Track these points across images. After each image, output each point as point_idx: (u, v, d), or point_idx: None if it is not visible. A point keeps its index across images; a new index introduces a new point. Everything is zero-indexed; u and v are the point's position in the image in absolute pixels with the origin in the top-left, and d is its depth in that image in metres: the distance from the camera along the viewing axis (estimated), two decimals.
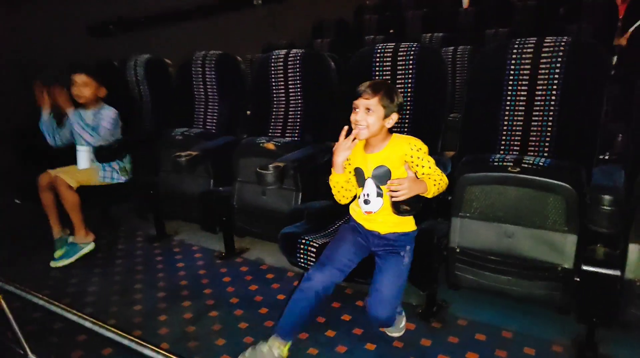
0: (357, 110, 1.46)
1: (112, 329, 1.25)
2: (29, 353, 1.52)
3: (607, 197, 1.30)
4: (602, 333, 1.58)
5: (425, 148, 1.49)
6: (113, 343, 1.16)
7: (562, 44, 1.64)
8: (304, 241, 1.71)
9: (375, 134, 1.48)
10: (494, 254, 1.63)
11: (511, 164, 1.58)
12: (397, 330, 1.72)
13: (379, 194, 1.52)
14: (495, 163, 1.61)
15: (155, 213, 2.73)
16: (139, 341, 1.13)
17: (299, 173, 1.97)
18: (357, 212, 1.61)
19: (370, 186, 1.53)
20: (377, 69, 1.99)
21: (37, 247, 2.65)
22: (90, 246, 2.57)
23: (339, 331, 1.78)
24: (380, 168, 1.50)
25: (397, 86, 1.95)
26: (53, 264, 2.46)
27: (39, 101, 2.47)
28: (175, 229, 2.81)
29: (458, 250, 1.70)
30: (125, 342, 1.19)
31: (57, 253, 2.50)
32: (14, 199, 2.81)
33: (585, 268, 1.42)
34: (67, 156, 2.61)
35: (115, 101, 2.78)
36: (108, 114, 2.55)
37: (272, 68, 2.30)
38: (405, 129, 1.95)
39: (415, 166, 1.47)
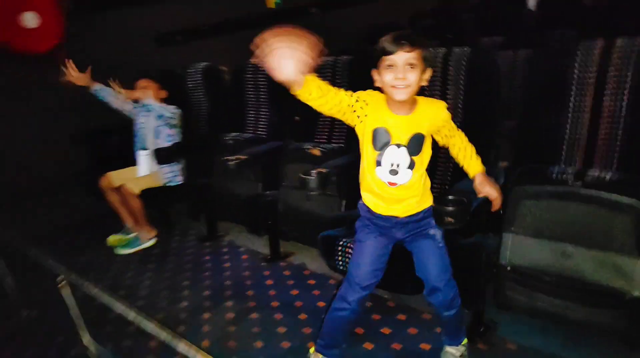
0: (393, 67, 1.26)
1: (152, 322, 1.31)
2: (88, 337, 1.62)
3: None
4: None
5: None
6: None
7: (635, 46, 1.49)
8: (341, 243, 1.67)
9: (412, 94, 1.30)
10: (549, 275, 1.50)
11: (572, 177, 1.45)
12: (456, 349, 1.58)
13: (410, 166, 1.35)
14: (554, 175, 1.49)
15: (207, 214, 2.82)
16: (175, 335, 1.18)
17: (342, 180, 1.93)
18: (372, 195, 1.42)
19: (401, 155, 1.34)
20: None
21: (104, 239, 2.84)
22: (152, 242, 2.76)
23: (376, 344, 1.73)
24: (417, 136, 1.34)
25: (447, 91, 1.87)
26: (117, 251, 2.69)
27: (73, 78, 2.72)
28: (225, 230, 2.89)
29: (509, 268, 1.59)
30: (163, 335, 1.24)
31: (117, 239, 2.76)
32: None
33: None
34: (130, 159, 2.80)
35: (176, 106, 2.93)
36: (171, 114, 2.75)
37: (320, 75, 2.29)
38: None
39: (446, 137, 1.41)
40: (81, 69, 2.76)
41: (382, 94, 1.34)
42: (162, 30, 4.84)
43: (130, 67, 3.64)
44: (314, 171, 1.78)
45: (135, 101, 2.76)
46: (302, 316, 1.94)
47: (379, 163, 1.37)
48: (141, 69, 3.05)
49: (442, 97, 1.91)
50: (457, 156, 1.46)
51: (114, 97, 2.75)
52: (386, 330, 1.80)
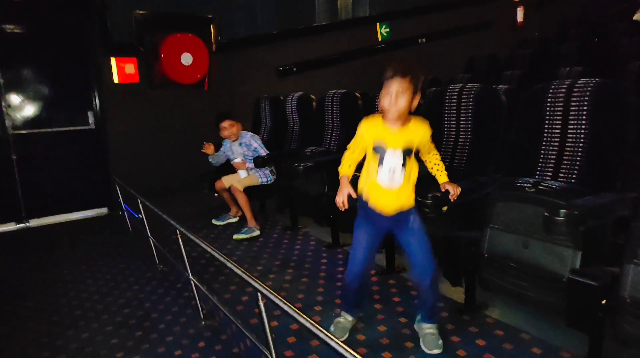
0: (388, 94, 1.63)
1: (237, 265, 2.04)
2: (190, 274, 2.49)
3: (563, 211, 1.52)
4: (614, 350, 1.70)
5: None
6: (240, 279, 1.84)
7: (590, 85, 1.85)
8: None
9: (403, 114, 1.67)
10: (514, 262, 1.91)
11: (530, 185, 1.86)
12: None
13: (403, 165, 1.71)
14: (517, 184, 1.91)
15: (290, 209, 3.62)
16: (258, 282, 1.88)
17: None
18: (371, 190, 1.77)
19: (397, 160, 1.69)
20: (446, 106, 2.44)
21: (224, 229, 3.82)
22: (257, 233, 3.57)
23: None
24: (407, 146, 1.71)
25: (461, 118, 2.37)
26: (234, 237, 3.52)
27: (206, 150, 3.87)
28: (305, 224, 3.65)
29: (487, 255, 2.02)
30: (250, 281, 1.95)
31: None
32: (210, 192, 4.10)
33: (570, 276, 1.63)
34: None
35: (277, 126, 3.84)
36: (249, 138, 3.71)
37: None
38: (465, 155, 2.35)
39: (426, 154, 1.81)
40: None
41: (379, 116, 1.75)
42: (283, 63, 5.92)
43: (257, 93, 4.69)
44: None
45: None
46: (339, 283, 2.57)
47: (380, 170, 1.74)
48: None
49: (457, 123, 2.41)
50: (431, 169, 1.92)
51: (217, 160, 3.88)
52: (396, 299, 2.34)
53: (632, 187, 1.80)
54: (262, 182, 3.70)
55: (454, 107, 2.41)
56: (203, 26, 5.31)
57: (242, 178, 3.65)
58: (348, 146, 1.89)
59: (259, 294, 1.59)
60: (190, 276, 2.47)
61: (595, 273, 1.60)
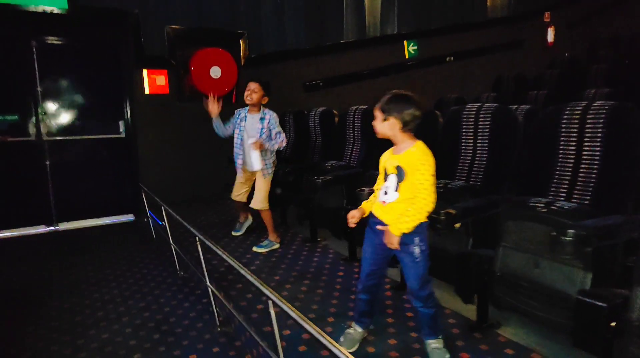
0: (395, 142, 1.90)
1: (252, 275, 2.11)
2: (208, 281, 2.57)
3: (571, 231, 1.52)
4: None
5: (430, 165, 1.78)
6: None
7: (605, 108, 1.85)
8: None
9: (391, 136, 1.87)
10: (526, 281, 1.91)
11: (542, 206, 1.86)
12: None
13: (396, 189, 1.85)
14: (530, 203, 1.91)
15: (310, 221, 3.68)
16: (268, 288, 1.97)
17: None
18: (375, 205, 1.96)
19: (392, 180, 1.86)
20: (463, 126, 2.47)
21: (245, 239, 3.90)
22: (277, 246, 3.60)
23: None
24: (400, 168, 1.84)
25: (478, 139, 2.39)
26: (254, 249, 3.54)
27: (210, 109, 3.44)
28: (325, 236, 3.70)
29: (499, 274, 2.02)
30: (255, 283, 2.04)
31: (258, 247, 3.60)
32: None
33: (579, 297, 1.61)
34: None
35: (300, 139, 3.91)
36: (274, 117, 3.43)
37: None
38: (482, 173, 2.36)
39: (416, 177, 1.79)
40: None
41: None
42: (310, 79, 6.05)
43: (284, 106, 4.79)
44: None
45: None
46: (353, 296, 2.60)
47: (381, 188, 1.94)
48: (292, 106, 3.98)
49: (474, 142, 2.43)
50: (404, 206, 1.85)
51: (222, 128, 3.53)
52: (410, 314, 2.35)
53: None
54: (264, 175, 3.45)
55: (471, 127, 2.43)
56: (233, 41, 5.50)
57: (255, 169, 3.38)
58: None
59: (270, 302, 1.64)
60: (208, 283, 2.55)
61: (603, 295, 1.59)
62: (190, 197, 5.16)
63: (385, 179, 1.93)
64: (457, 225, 2.00)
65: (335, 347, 1.24)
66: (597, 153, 1.89)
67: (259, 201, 3.52)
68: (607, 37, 7.22)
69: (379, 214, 1.95)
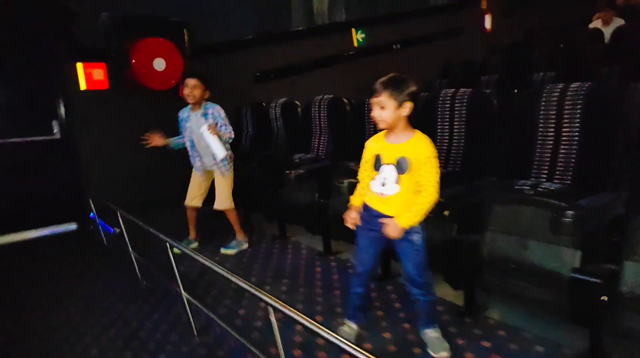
0: (373, 106, 1.73)
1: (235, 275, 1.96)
2: (183, 291, 2.38)
3: (570, 212, 1.55)
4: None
5: (436, 157, 1.73)
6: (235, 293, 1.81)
7: (583, 89, 1.90)
8: None
9: (395, 124, 1.73)
10: (514, 263, 1.92)
11: (528, 188, 1.89)
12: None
13: (396, 181, 1.75)
14: (516, 187, 1.93)
15: (278, 218, 3.55)
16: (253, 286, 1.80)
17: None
18: (370, 197, 1.86)
19: (390, 172, 1.76)
20: (439, 111, 2.47)
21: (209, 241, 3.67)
22: (246, 246, 3.44)
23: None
24: (402, 159, 1.73)
25: (454, 123, 2.39)
26: (223, 252, 3.36)
27: (154, 143, 3.30)
28: (293, 232, 3.58)
29: (487, 258, 2.03)
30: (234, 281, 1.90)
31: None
32: None
33: (574, 275, 1.65)
34: None
35: (262, 132, 3.74)
36: (218, 110, 3.17)
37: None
38: (460, 159, 2.36)
39: (418, 183, 1.73)
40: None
41: (384, 131, 1.84)
42: (260, 69, 5.85)
43: (234, 99, 4.57)
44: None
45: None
46: (336, 292, 2.54)
47: (375, 179, 1.83)
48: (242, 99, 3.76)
49: (450, 128, 2.43)
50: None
51: (177, 142, 3.33)
52: (397, 305, 2.31)
53: (624, 186, 1.85)
54: (222, 173, 3.24)
55: (447, 112, 2.43)
56: (176, 30, 5.14)
57: (220, 157, 3.05)
58: (360, 164, 1.93)
59: (270, 308, 1.53)
60: (183, 292, 2.37)
61: (596, 271, 1.63)
62: (141, 200, 4.80)
63: (377, 169, 1.83)
64: (446, 213, 1.98)
65: (357, 350, 1.16)
66: (576, 134, 1.94)
67: (223, 201, 3.33)
68: (539, 25, 7.64)
69: (377, 206, 1.85)
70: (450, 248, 2.10)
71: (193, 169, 3.39)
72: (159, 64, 4.99)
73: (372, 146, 1.88)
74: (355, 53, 6.80)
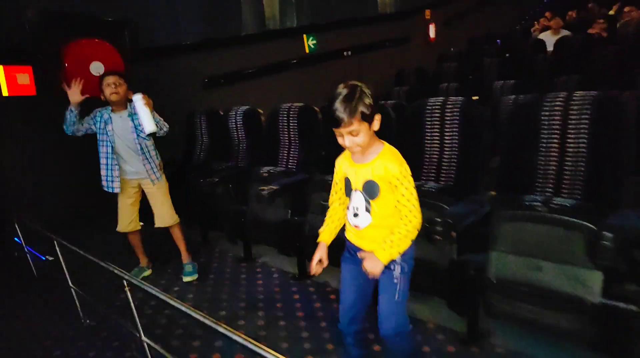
0: (341, 137, 1.44)
1: (207, 317, 1.66)
2: (142, 334, 2.00)
3: (610, 235, 1.43)
4: None
5: (409, 174, 1.48)
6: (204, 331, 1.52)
7: (589, 98, 1.81)
8: None
9: (367, 147, 1.47)
10: (526, 286, 1.78)
11: (540, 204, 1.75)
12: None
13: (367, 209, 1.51)
14: (526, 203, 1.79)
15: (243, 238, 3.21)
16: (221, 324, 1.53)
17: None
18: (347, 228, 1.64)
19: (359, 199, 1.51)
20: (427, 120, 2.30)
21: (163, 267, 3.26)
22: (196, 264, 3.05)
23: None
24: (370, 183, 1.48)
25: (445, 132, 2.24)
26: (185, 280, 2.94)
27: (70, 92, 2.74)
28: (260, 253, 3.27)
29: (494, 281, 1.87)
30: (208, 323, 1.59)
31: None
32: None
33: (606, 302, 1.53)
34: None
35: (219, 142, 3.39)
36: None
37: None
38: (453, 172, 2.21)
39: (396, 193, 1.46)
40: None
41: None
42: (209, 75, 5.46)
43: (182, 106, 4.18)
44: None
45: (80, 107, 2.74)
46: (323, 323, 2.27)
47: (348, 208, 1.59)
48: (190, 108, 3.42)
49: (440, 139, 2.27)
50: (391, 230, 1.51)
51: (76, 123, 2.78)
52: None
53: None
54: (153, 182, 2.84)
55: (437, 122, 2.26)
56: (116, 31, 4.64)
57: (150, 130, 2.63)
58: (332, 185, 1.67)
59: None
60: (143, 336, 1.99)
61: (628, 296, 1.51)
62: (76, 220, 4.23)
63: (348, 195, 1.57)
64: (454, 234, 1.79)
65: None
66: (583, 145, 1.84)
67: (165, 216, 2.93)
68: (482, 34, 7.92)
69: (355, 241, 1.61)
70: (454, 271, 1.91)
71: (119, 193, 2.91)
72: (97, 68, 4.43)
73: (342, 164, 1.61)
74: (307, 59, 6.63)
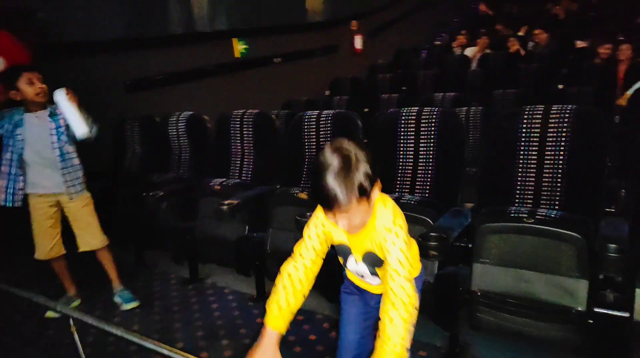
0: (333, 216, 1.14)
1: (160, 344, 1.43)
2: None
3: (613, 246, 1.48)
4: None
5: (403, 234, 1.22)
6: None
7: (568, 111, 1.89)
8: None
9: (365, 220, 1.20)
10: (512, 297, 1.79)
11: (526, 215, 1.77)
12: None
13: (373, 273, 1.35)
14: (512, 214, 1.80)
15: (191, 257, 2.91)
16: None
17: None
18: (348, 272, 1.48)
19: (362, 267, 1.35)
20: (402, 130, 2.25)
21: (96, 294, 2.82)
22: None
23: None
24: (371, 255, 1.29)
25: (420, 143, 2.20)
26: (125, 308, 2.60)
27: None
28: (206, 272, 2.98)
29: (479, 293, 1.86)
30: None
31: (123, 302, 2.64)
32: None
33: (597, 310, 1.57)
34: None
35: (156, 152, 3.05)
36: None
37: (305, 127, 2.57)
38: (428, 183, 2.18)
39: (388, 278, 1.21)
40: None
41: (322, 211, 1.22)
42: (131, 77, 4.96)
43: (102, 111, 3.71)
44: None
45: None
46: (297, 349, 2.09)
47: (347, 267, 1.42)
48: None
49: (415, 150, 2.23)
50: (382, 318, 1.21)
51: None
52: None
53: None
54: (71, 197, 2.45)
55: (412, 133, 2.22)
56: (19, 23, 4.03)
57: (84, 133, 2.32)
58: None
59: None
60: None
61: (620, 304, 1.57)
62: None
63: (345, 259, 1.38)
64: (434, 253, 1.74)
65: None
66: (561, 156, 1.90)
67: (92, 237, 2.54)
68: (409, 47, 8.28)
69: (360, 284, 1.47)
70: (441, 285, 1.86)
71: (31, 212, 2.49)
72: None
73: (327, 226, 1.30)
74: (238, 64, 6.36)
